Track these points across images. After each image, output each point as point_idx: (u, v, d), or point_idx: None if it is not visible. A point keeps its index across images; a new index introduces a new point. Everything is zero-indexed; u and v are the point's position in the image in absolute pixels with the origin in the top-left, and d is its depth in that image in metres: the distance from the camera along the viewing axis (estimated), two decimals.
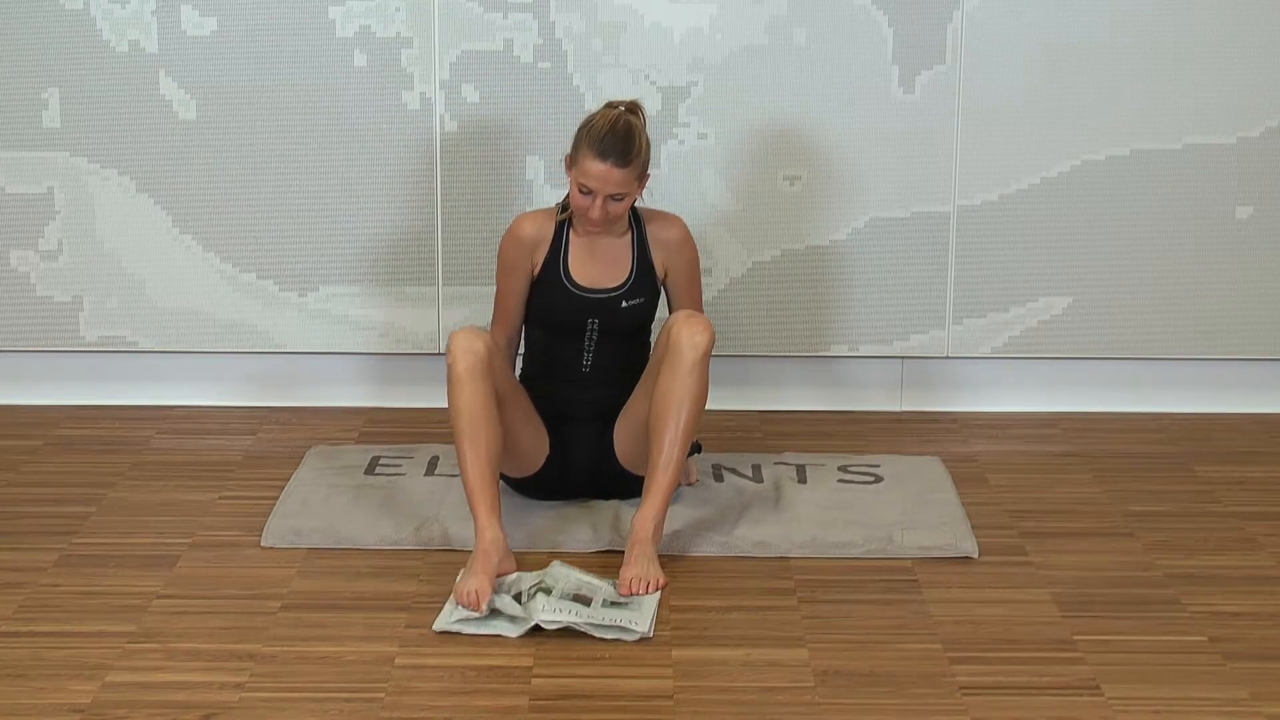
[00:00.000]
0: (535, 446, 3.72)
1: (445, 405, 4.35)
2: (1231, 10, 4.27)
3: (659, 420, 3.51)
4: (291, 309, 4.43)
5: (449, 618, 3.26)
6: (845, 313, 4.43)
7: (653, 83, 4.30)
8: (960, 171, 4.36)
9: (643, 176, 3.62)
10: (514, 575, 3.38)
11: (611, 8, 4.26)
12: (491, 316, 3.82)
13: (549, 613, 3.20)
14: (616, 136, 3.54)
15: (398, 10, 4.26)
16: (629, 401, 3.72)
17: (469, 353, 3.48)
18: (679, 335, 3.52)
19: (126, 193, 4.37)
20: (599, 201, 3.57)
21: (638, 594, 3.34)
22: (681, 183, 4.36)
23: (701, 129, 4.33)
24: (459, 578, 3.33)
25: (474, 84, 4.30)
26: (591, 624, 3.19)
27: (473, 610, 3.24)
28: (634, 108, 3.64)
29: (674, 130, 4.32)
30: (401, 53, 4.28)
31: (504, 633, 3.20)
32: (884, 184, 4.36)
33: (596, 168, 3.53)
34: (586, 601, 3.26)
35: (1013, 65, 4.30)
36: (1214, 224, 4.39)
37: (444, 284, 4.39)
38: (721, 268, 4.40)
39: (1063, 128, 4.33)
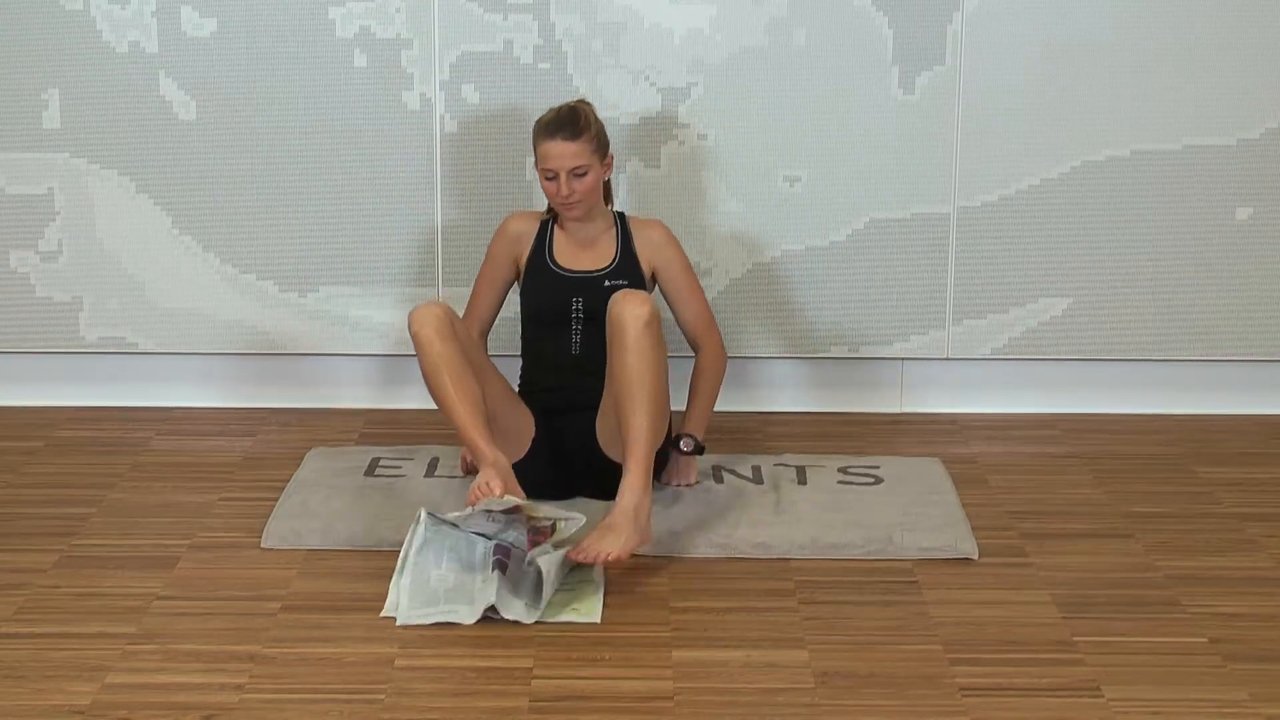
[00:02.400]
0: (519, 426, 3.77)
1: None
2: (1231, 11, 4.27)
3: (620, 399, 3.57)
4: (291, 310, 4.43)
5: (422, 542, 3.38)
6: (845, 314, 4.43)
7: (652, 84, 4.30)
8: (960, 172, 4.36)
9: (605, 155, 3.80)
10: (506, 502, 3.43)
11: (611, 9, 4.26)
12: (466, 309, 3.96)
13: (508, 610, 3.26)
14: (561, 116, 3.77)
15: (398, 11, 4.26)
16: (603, 396, 3.74)
17: (431, 317, 3.64)
18: (619, 313, 3.58)
19: (126, 193, 4.37)
20: (563, 179, 3.75)
21: (583, 561, 3.40)
22: (681, 183, 4.36)
23: (701, 130, 4.33)
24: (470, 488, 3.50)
25: (474, 85, 4.30)
26: (543, 614, 3.26)
27: (490, 500, 3.40)
28: (581, 101, 3.85)
29: (674, 131, 4.33)
30: (401, 53, 4.28)
31: (461, 619, 3.24)
32: (884, 185, 4.36)
33: (551, 147, 3.74)
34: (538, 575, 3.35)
35: (1012, 66, 4.30)
36: (1213, 225, 4.39)
37: (444, 285, 4.39)
38: (721, 269, 4.40)
39: (1062, 129, 4.33)
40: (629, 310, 3.57)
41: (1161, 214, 4.39)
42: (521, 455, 3.75)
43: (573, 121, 3.74)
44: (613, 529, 3.45)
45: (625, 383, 3.55)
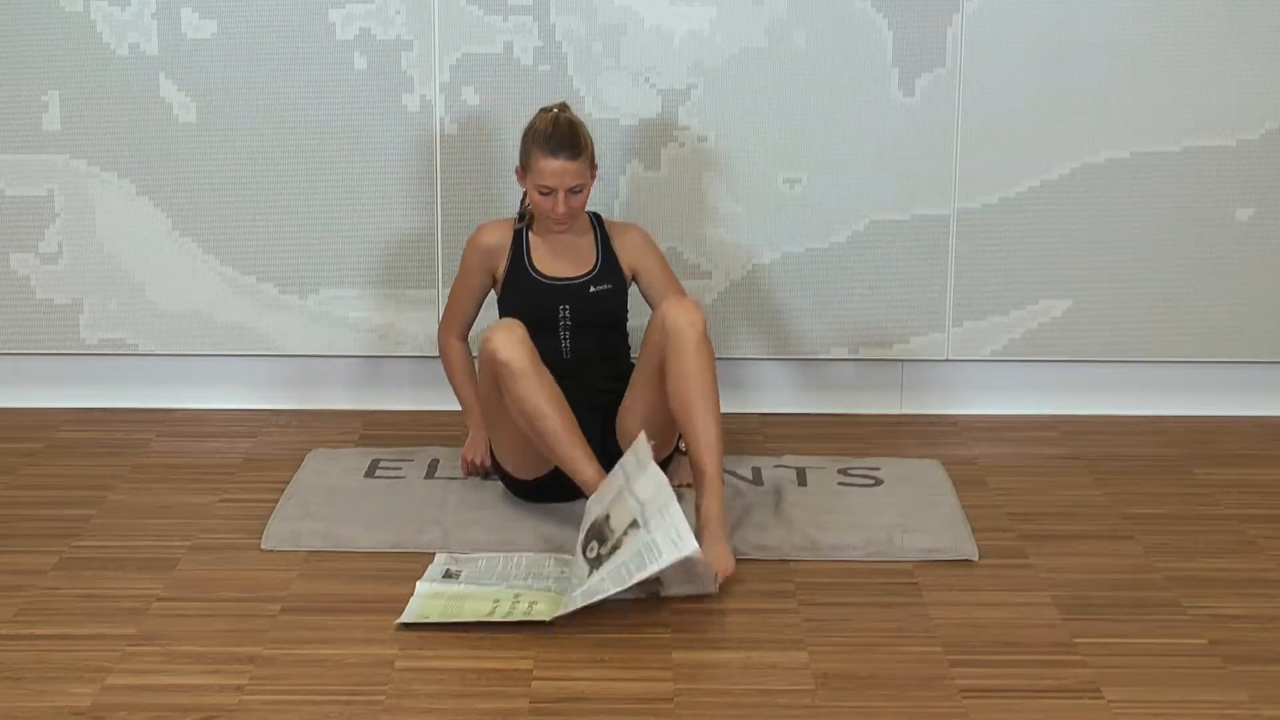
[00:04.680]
0: None
1: (445, 408, 4.37)
2: (1231, 12, 4.27)
3: (686, 407, 3.55)
4: (291, 311, 4.43)
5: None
6: (845, 315, 4.43)
7: (653, 85, 4.30)
8: (960, 174, 4.36)
9: (593, 167, 3.77)
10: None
11: (612, 10, 4.26)
12: (444, 314, 3.93)
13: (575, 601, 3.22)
14: (562, 132, 3.70)
15: (398, 13, 4.26)
16: (626, 396, 3.74)
17: (518, 342, 3.55)
18: (675, 319, 3.57)
19: (126, 195, 4.37)
20: (561, 197, 3.71)
21: (719, 576, 3.38)
22: (681, 186, 4.36)
23: (701, 131, 4.33)
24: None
25: (474, 86, 4.30)
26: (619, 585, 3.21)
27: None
28: (564, 107, 3.80)
29: (674, 133, 4.33)
30: (401, 55, 4.28)
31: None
32: (884, 186, 4.36)
33: (551, 165, 3.69)
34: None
35: (1012, 68, 4.30)
36: (1214, 226, 4.39)
37: (444, 287, 4.39)
38: (721, 270, 4.41)
39: (1062, 130, 4.33)
40: (685, 318, 3.56)
41: (1161, 215, 4.39)
42: (543, 473, 3.72)
43: (573, 140, 3.70)
44: (714, 546, 3.42)
45: (688, 391, 3.54)
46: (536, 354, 3.57)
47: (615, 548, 3.25)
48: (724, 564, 3.41)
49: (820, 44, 4.28)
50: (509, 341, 3.55)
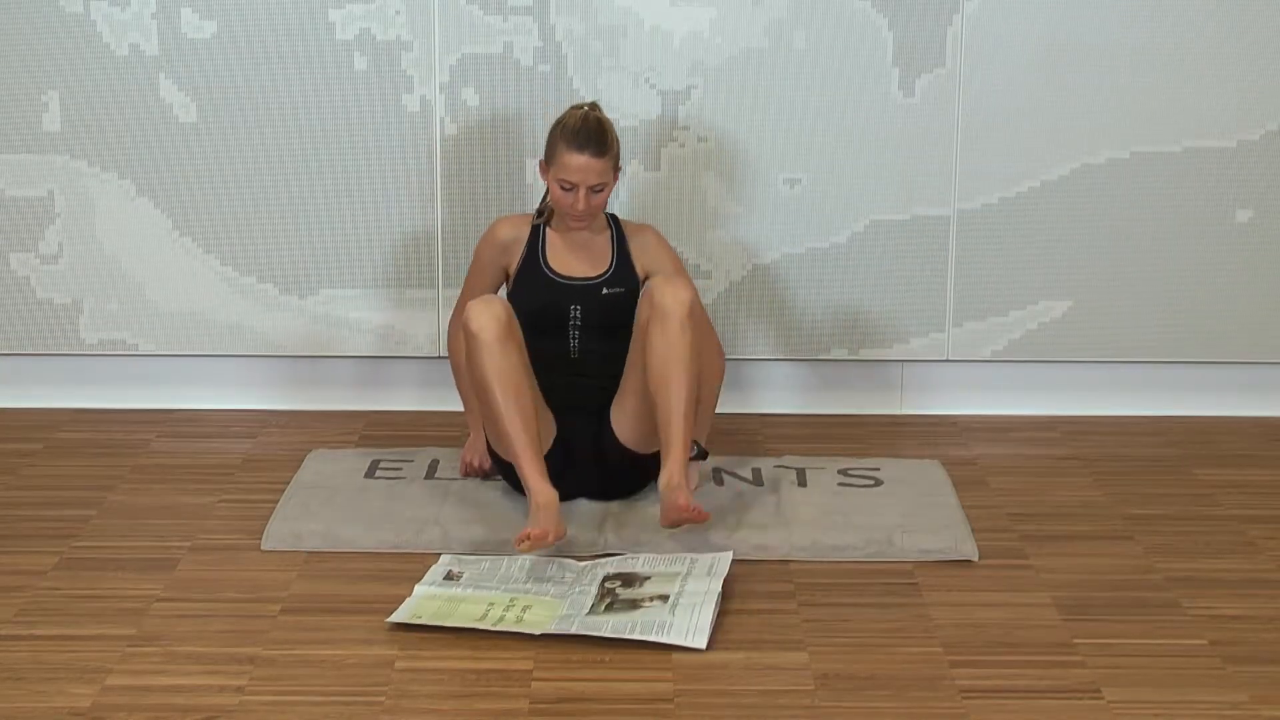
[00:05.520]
0: (545, 424, 3.74)
1: (445, 408, 4.37)
2: (1231, 13, 4.28)
3: (659, 382, 3.56)
4: (292, 312, 4.43)
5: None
6: (845, 316, 4.43)
7: (653, 86, 4.30)
8: (960, 174, 4.36)
9: (616, 168, 3.76)
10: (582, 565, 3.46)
11: (612, 11, 4.26)
12: (455, 309, 3.91)
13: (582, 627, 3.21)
14: (590, 129, 3.70)
15: (398, 13, 4.26)
16: (622, 380, 3.74)
17: (494, 319, 3.57)
18: (662, 296, 3.59)
19: (126, 196, 4.37)
20: (582, 194, 3.71)
21: (678, 524, 3.47)
22: (681, 186, 4.36)
23: (701, 132, 4.33)
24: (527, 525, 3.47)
25: (474, 87, 4.30)
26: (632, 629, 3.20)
27: (541, 545, 3.41)
28: (595, 106, 3.79)
29: (674, 133, 4.33)
30: (401, 56, 4.29)
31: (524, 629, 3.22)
32: (884, 187, 4.36)
33: (576, 161, 3.68)
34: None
35: (1012, 68, 4.30)
36: (1214, 227, 4.39)
37: (444, 287, 4.39)
38: (721, 271, 4.41)
39: (1062, 131, 4.33)
40: (671, 294, 3.58)
41: (1161, 216, 4.39)
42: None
43: (601, 138, 3.69)
44: (669, 497, 3.48)
45: (664, 365, 3.55)
46: (512, 333, 3.58)
47: (634, 603, 3.26)
48: (683, 499, 3.48)
49: (820, 44, 4.29)
50: (483, 314, 3.57)
